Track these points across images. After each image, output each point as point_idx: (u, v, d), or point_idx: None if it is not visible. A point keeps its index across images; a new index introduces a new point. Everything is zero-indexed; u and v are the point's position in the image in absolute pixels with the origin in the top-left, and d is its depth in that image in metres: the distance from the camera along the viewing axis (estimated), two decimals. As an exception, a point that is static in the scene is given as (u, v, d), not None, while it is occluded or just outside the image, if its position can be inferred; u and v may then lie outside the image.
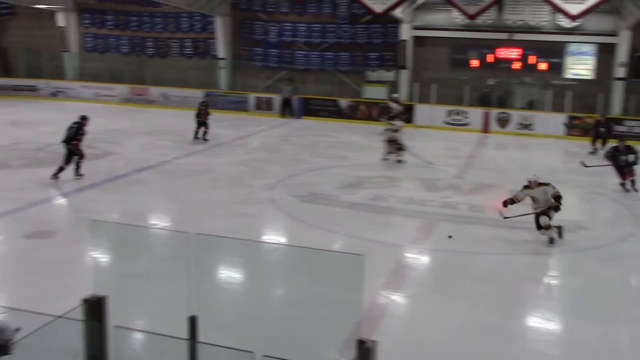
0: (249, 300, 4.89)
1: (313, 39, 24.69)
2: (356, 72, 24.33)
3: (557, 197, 9.25)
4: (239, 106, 24.26)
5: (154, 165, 14.22)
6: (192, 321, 3.72)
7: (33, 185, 11.87)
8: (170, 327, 3.65)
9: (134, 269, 6.06)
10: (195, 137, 17.35)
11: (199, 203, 11.11)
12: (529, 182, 9.35)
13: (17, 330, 4.26)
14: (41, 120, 19.85)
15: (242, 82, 25.40)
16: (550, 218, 9.20)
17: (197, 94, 23.34)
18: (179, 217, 10.37)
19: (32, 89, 26.04)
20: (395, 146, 15.24)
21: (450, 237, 9.36)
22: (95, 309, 3.83)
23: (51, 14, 26.64)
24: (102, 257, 6.71)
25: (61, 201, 11.53)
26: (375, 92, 23.63)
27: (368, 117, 22.45)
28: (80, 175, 12.38)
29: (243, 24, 25.34)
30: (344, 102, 23.37)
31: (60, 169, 12.15)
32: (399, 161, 15.22)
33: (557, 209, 9.26)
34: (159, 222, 10.28)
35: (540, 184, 9.30)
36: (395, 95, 20.68)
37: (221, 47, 25.19)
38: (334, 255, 5.89)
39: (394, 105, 19.26)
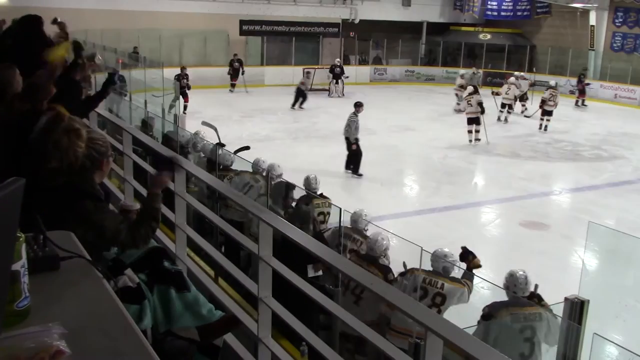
0: None
1: None
2: None
3: None
4: None
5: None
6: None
7: (536, 177, 12.45)
8: None
9: (622, 280, 5.77)
10: None
11: None
12: None
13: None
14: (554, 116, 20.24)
15: None
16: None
17: None
18: None
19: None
20: None
21: None
22: (575, 310, 3.84)
23: (584, 13, 26.71)
24: (593, 260, 6.63)
25: (560, 197, 11.71)
26: None
27: None
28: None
29: None
30: None
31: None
32: None
33: None
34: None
35: None
36: None
37: None
38: None
39: None
